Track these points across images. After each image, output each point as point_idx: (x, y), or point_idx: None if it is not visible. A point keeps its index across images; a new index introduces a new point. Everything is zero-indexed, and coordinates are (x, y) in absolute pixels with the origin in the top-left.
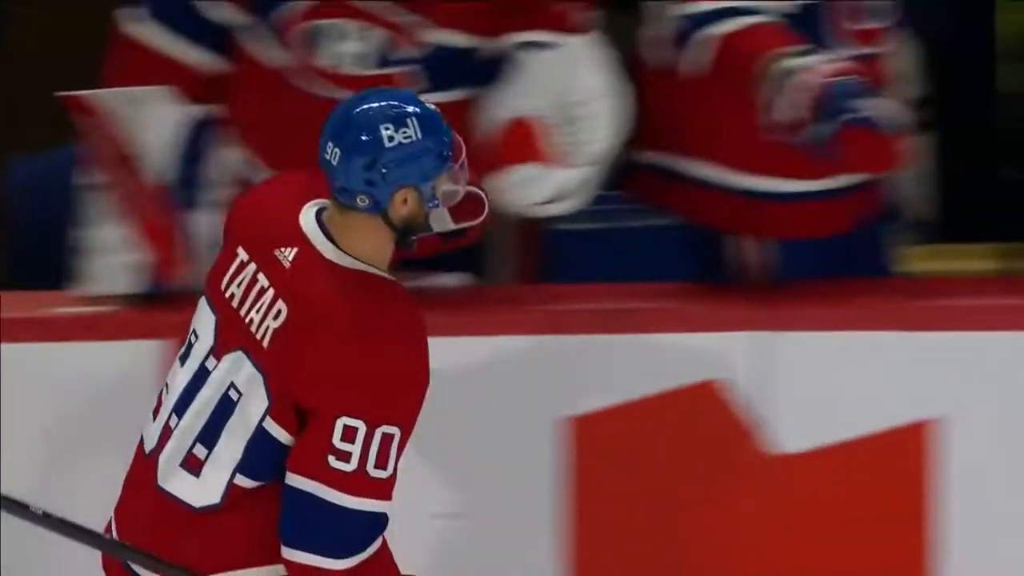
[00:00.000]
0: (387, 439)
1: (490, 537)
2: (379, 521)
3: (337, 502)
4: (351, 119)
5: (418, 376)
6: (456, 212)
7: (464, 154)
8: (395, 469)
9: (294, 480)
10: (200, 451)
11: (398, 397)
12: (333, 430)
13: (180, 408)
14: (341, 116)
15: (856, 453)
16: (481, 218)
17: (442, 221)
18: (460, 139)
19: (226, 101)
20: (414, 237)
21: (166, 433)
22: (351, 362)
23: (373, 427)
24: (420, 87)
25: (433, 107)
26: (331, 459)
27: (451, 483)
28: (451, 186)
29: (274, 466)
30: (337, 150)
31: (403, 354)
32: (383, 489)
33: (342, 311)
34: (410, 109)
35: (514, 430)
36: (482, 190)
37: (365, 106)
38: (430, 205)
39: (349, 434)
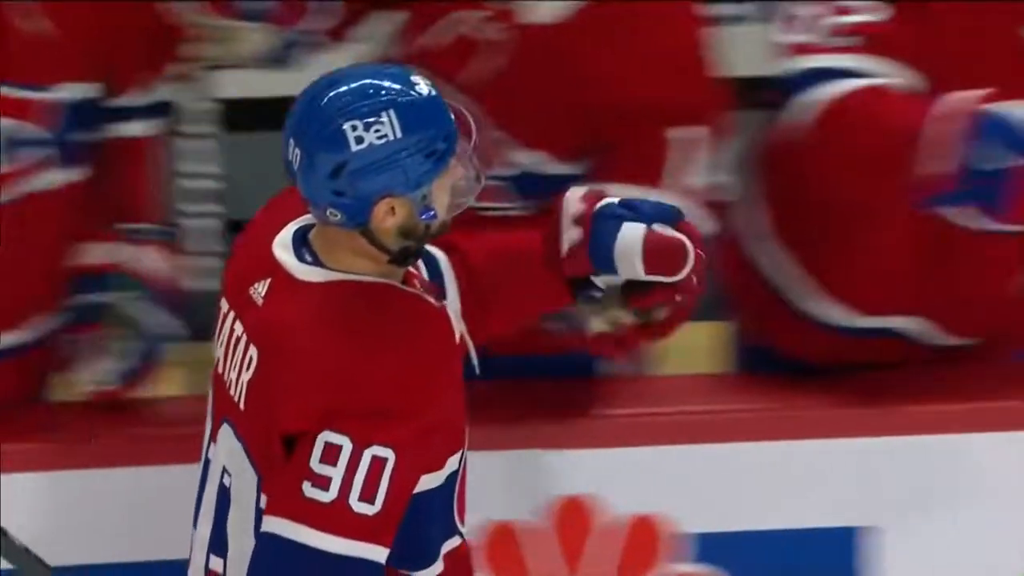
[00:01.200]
0: (377, 465)
1: None
2: (368, 572)
3: (309, 543)
4: (313, 111)
5: (420, 385)
6: (649, 261)
7: (476, 140)
8: (391, 509)
9: (264, 524)
10: (216, 563)
11: (393, 409)
12: (312, 449)
13: (195, 516)
14: (304, 105)
15: None
16: (680, 275)
17: (632, 268)
18: (471, 120)
19: None
20: (414, 254)
21: (191, 549)
22: (331, 361)
23: (360, 446)
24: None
25: (426, 89)
26: (306, 487)
27: None
28: (460, 184)
29: None
30: (298, 151)
31: (399, 358)
32: (369, 529)
33: (315, 322)
34: (388, 98)
35: None
36: (688, 232)
37: (331, 93)
38: (424, 217)
39: (331, 453)
